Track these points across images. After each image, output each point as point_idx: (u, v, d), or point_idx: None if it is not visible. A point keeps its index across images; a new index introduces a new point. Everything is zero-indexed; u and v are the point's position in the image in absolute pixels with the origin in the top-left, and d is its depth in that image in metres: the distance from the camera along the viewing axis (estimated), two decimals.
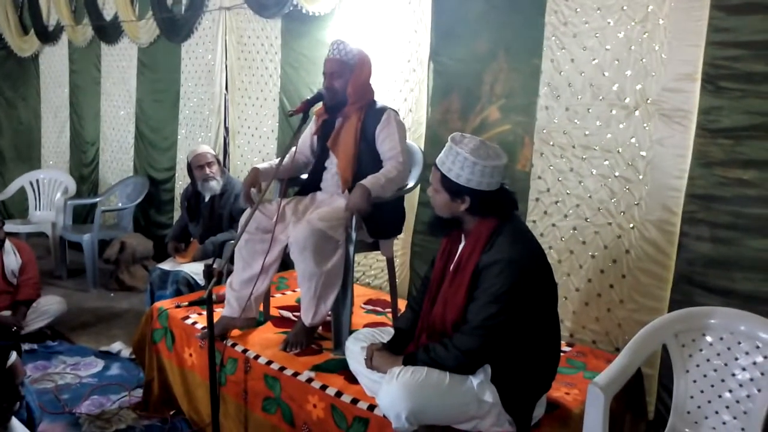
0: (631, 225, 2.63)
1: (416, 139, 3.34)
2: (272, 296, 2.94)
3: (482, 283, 1.77)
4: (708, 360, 1.94)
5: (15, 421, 1.76)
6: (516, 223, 1.87)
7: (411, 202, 3.41)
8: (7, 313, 3.54)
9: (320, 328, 2.54)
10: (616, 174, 2.67)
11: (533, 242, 1.89)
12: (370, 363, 1.98)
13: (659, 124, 2.52)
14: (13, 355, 1.67)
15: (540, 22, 2.85)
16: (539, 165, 2.90)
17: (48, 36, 5.98)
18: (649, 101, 2.55)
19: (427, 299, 1.97)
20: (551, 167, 2.86)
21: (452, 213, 1.89)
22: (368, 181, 2.36)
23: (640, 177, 2.59)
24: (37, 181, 5.72)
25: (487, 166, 1.78)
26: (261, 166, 2.68)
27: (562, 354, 2.43)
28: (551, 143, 2.86)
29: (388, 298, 2.94)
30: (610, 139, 2.68)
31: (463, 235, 1.92)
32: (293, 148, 2.68)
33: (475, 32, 3.14)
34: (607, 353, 2.58)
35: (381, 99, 2.68)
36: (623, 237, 2.66)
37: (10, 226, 4.45)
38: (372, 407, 1.96)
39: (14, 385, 1.66)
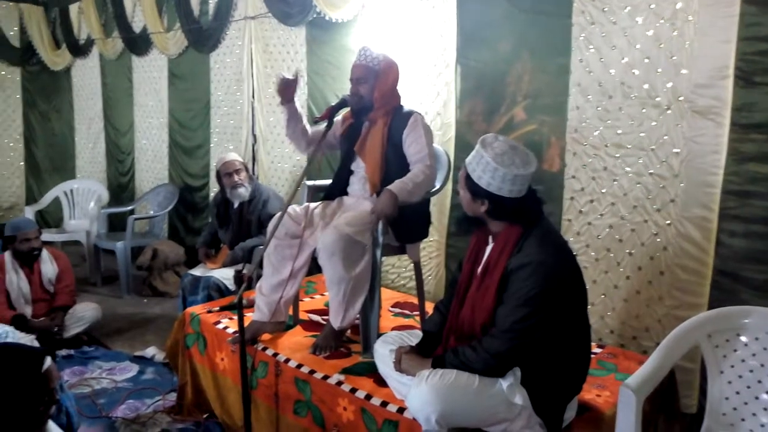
0: (668, 222, 2.61)
1: (445, 143, 3.35)
2: (301, 300, 2.97)
3: (511, 286, 1.76)
4: (743, 361, 1.91)
5: (52, 425, 1.81)
6: (545, 226, 1.86)
7: (444, 204, 3.43)
8: (44, 319, 3.64)
9: (349, 331, 2.55)
10: (651, 172, 2.65)
11: (562, 245, 1.87)
12: (398, 366, 1.99)
13: (692, 121, 2.50)
14: (48, 360, 1.71)
15: (566, 23, 2.85)
16: (572, 165, 2.90)
17: (79, 49, 6.14)
18: (680, 98, 2.53)
19: (455, 302, 1.97)
20: (584, 166, 2.86)
21: (474, 213, 1.89)
22: (395, 185, 2.37)
23: (675, 174, 2.57)
24: (72, 191, 5.87)
25: (508, 174, 1.76)
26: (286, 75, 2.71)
27: (592, 356, 2.41)
28: (584, 143, 2.85)
29: (415, 300, 2.95)
30: (643, 138, 2.66)
31: (490, 237, 1.91)
32: (317, 159, 2.69)
33: (500, 34, 3.15)
34: (639, 354, 2.56)
35: (408, 103, 2.69)
36: (660, 234, 2.64)
37: (46, 235, 4.56)
38: (401, 410, 1.97)
39: (49, 390, 1.70)
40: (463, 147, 3.30)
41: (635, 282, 2.74)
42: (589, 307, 2.78)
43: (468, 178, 1.85)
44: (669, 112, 2.57)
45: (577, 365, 1.87)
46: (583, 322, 1.88)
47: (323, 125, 2.63)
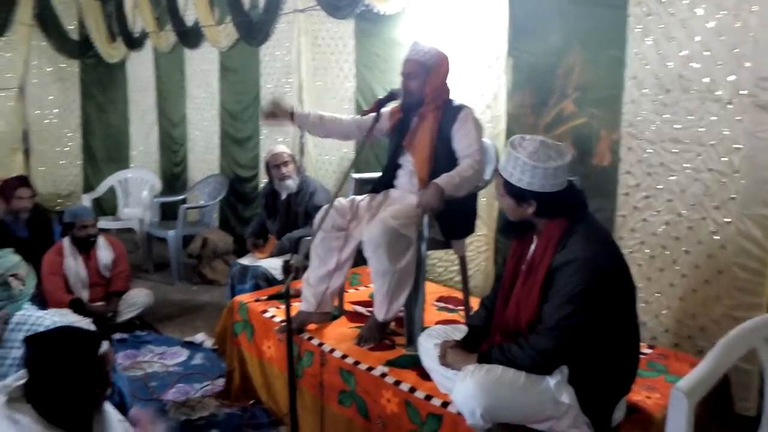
0: (727, 220, 2.53)
1: (495, 136, 3.32)
2: (346, 291, 3.00)
3: (556, 283, 1.74)
4: None
5: (108, 406, 1.88)
6: (590, 222, 1.83)
7: (493, 198, 3.38)
8: (101, 304, 3.79)
9: (393, 323, 2.57)
10: (710, 168, 2.57)
11: (608, 241, 1.84)
12: (443, 359, 1.99)
13: (755, 115, 2.41)
14: (105, 344, 1.77)
15: (622, 14, 2.77)
16: (627, 159, 2.84)
17: (134, 42, 6.31)
18: (743, 92, 2.43)
19: (500, 299, 1.96)
20: (640, 162, 2.79)
21: (521, 217, 1.87)
22: (442, 179, 2.37)
23: (736, 170, 2.49)
24: (126, 180, 6.07)
25: (548, 168, 1.74)
26: (299, 111, 2.78)
27: (642, 356, 2.36)
28: (639, 137, 2.79)
29: (460, 295, 2.93)
30: (702, 133, 2.58)
31: (534, 235, 1.89)
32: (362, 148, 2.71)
33: (551, 25, 3.09)
34: (691, 356, 2.49)
35: (456, 96, 2.67)
36: (719, 232, 2.57)
37: (101, 223, 4.73)
38: (446, 404, 1.97)
39: (105, 372, 1.77)
40: None
41: (692, 280, 2.67)
42: (643, 305, 2.76)
43: (507, 183, 1.83)
44: (730, 106, 2.48)
45: (626, 364, 1.83)
46: (632, 319, 1.84)
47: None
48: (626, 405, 1.90)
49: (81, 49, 6.70)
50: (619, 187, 2.87)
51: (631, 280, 1.85)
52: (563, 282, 1.72)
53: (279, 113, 2.72)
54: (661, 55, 2.67)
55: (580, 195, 1.84)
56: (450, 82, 2.63)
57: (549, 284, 1.77)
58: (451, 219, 2.51)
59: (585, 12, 2.94)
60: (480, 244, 3.49)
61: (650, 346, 2.53)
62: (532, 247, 1.89)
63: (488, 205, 3.40)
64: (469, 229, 2.70)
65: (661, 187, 2.74)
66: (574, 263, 1.71)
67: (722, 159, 2.53)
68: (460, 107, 2.55)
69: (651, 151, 2.75)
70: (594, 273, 1.70)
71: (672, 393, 1.68)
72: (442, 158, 2.52)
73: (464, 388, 1.75)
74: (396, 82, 2.65)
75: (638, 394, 2.03)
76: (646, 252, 2.80)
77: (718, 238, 2.57)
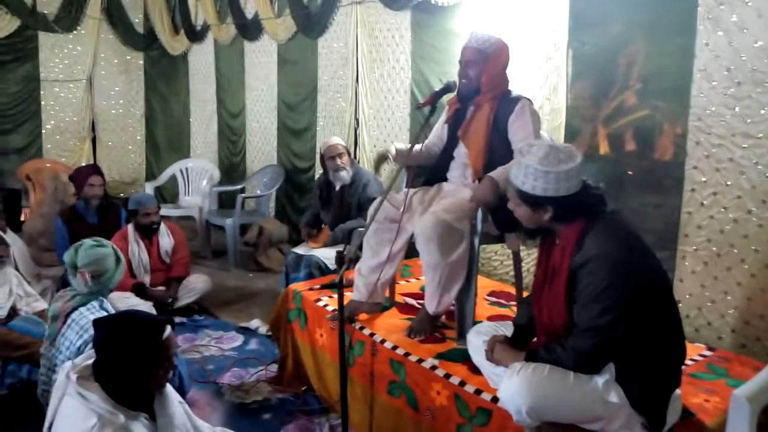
0: None
1: (555, 128, 3.27)
2: (397, 283, 3.02)
3: (578, 284, 1.73)
4: None
5: (169, 388, 1.96)
6: (609, 219, 1.79)
7: None
8: (161, 288, 3.93)
9: (444, 317, 2.57)
10: None
11: (628, 234, 1.78)
12: (490, 355, 1.98)
13: None
14: (168, 329, 1.84)
15: (691, 4, 2.69)
16: (695, 154, 2.75)
17: (196, 35, 6.50)
18: None
19: (534, 304, 1.95)
20: (708, 157, 2.71)
21: (538, 224, 1.85)
22: (497, 172, 2.34)
23: None
24: (187, 169, 6.26)
25: (561, 172, 1.73)
26: (399, 146, 2.75)
27: (702, 359, 2.29)
28: (708, 132, 2.70)
29: (512, 290, 2.91)
30: None
31: (557, 239, 1.87)
32: (421, 143, 2.71)
33: (613, 15, 3.02)
34: (755, 361, 2.38)
35: (515, 88, 2.63)
36: None
37: (163, 210, 4.89)
38: (496, 399, 1.96)
39: (168, 356, 1.84)
40: (572, 133, 3.21)
41: (761, 280, 2.58)
42: (709, 304, 2.71)
43: (520, 192, 1.81)
44: None
45: (671, 358, 1.78)
46: (670, 311, 1.78)
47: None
48: (682, 407, 1.85)
49: (146, 41, 6.95)
50: (686, 182, 2.79)
51: (661, 270, 1.80)
52: (585, 282, 1.71)
53: (396, 159, 2.72)
54: (734, 47, 2.57)
55: (596, 194, 1.81)
56: (509, 72, 2.59)
57: (573, 286, 1.75)
58: (505, 212, 2.47)
59: (650, 1, 2.85)
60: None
61: (710, 348, 2.45)
62: (553, 252, 1.87)
63: None
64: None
65: (730, 183, 2.65)
66: (591, 261, 1.69)
67: None
68: (518, 98, 2.51)
69: (720, 145, 2.66)
70: (613, 268, 1.67)
71: (732, 398, 1.63)
72: (498, 149, 2.48)
73: (511, 385, 1.75)
74: (452, 73, 2.64)
75: (696, 397, 1.97)
76: (713, 250, 2.72)
77: None
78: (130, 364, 1.72)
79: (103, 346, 1.75)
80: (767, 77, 2.48)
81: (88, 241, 2.46)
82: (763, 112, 2.51)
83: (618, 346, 1.70)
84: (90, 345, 2.20)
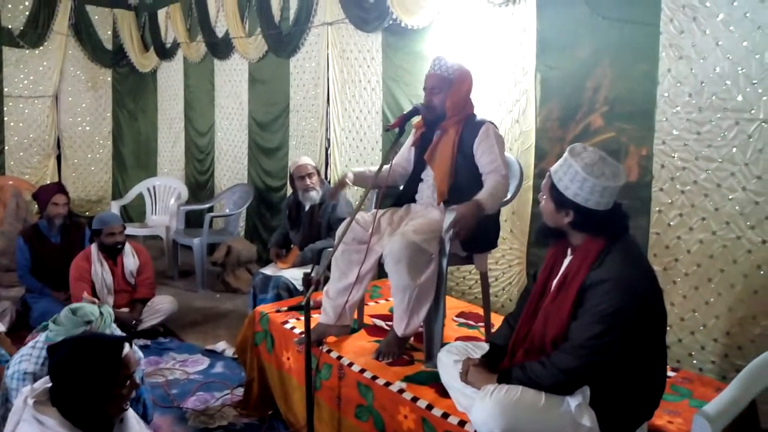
0: (763, 240, 2.50)
1: (524, 151, 3.32)
2: (366, 304, 3.00)
3: (588, 301, 1.71)
4: None
5: (131, 413, 1.91)
6: (628, 243, 1.78)
7: (524, 212, 3.40)
8: (125, 310, 3.84)
9: (412, 338, 2.55)
10: (744, 187, 2.54)
11: (645, 264, 1.80)
12: (464, 377, 1.97)
13: None
14: (126, 347, 1.81)
15: (653, 31, 2.77)
16: (661, 177, 2.82)
17: (166, 52, 6.46)
18: None
19: (526, 313, 1.93)
20: (673, 179, 2.77)
21: (556, 224, 1.84)
22: (483, 196, 2.34)
23: None
24: (154, 187, 6.17)
25: (597, 185, 1.71)
26: (357, 169, 2.76)
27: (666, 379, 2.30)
28: (672, 155, 2.77)
29: (481, 311, 2.91)
30: (735, 152, 2.55)
31: (569, 250, 1.87)
32: (388, 164, 2.72)
33: (580, 40, 3.09)
34: (716, 381, 2.43)
35: (484, 111, 2.67)
36: (753, 252, 2.54)
37: (129, 229, 4.82)
38: (463, 423, 1.95)
39: (129, 374, 1.80)
40: (542, 155, 3.27)
41: (727, 299, 2.64)
42: (678, 321, 2.75)
43: (553, 187, 1.80)
44: (765, 125, 2.45)
45: (651, 389, 1.79)
46: (660, 345, 1.80)
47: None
48: (647, 429, 1.86)
49: (114, 58, 6.87)
50: (653, 204, 2.85)
51: (663, 304, 1.81)
52: (596, 301, 1.69)
53: (355, 183, 2.75)
54: (694, 74, 2.66)
55: (622, 219, 1.80)
56: (473, 97, 2.63)
57: (581, 301, 1.73)
58: (473, 234, 2.48)
59: (615, 27, 2.93)
60: (511, 258, 3.48)
61: (674, 369, 2.48)
62: (566, 261, 1.86)
63: (520, 220, 3.39)
64: (492, 242, 2.68)
65: (694, 205, 2.71)
66: (608, 282, 1.68)
67: (757, 179, 2.49)
68: (482, 122, 2.54)
69: (684, 168, 2.72)
70: (627, 295, 1.66)
71: (695, 419, 1.64)
72: (463, 173, 2.51)
73: (483, 408, 1.73)
74: (422, 96, 2.66)
75: (660, 419, 1.99)
76: (681, 270, 2.78)
77: (754, 258, 2.53)
78: (89, 386, 1.68)
79: (61, 370, 1.71)
80: (726, 103, 2.56)
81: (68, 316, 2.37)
82: (724, 136, 2.58)
83: (604, 369, 1.70)
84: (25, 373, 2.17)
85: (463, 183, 2.46)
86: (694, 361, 2.74)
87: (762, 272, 2.51)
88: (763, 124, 2.45)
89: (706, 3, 2.60)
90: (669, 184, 2.79)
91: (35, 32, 6.29)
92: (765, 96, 2.44)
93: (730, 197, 2.59)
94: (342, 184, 2.72)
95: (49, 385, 1.75)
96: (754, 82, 2.47)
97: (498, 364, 1.96)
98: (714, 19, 2.57)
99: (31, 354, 2.29)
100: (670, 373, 2.39)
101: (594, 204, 1.73)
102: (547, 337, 1.80)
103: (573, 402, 1.71)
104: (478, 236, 2.53)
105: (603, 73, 3.01)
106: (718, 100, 2.59)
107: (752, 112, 2.49)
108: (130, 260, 3.94)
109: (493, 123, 2.57)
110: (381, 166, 2.63)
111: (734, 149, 2.55)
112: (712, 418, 1.63)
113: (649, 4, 2.77)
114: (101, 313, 2.38)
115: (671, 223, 2.80)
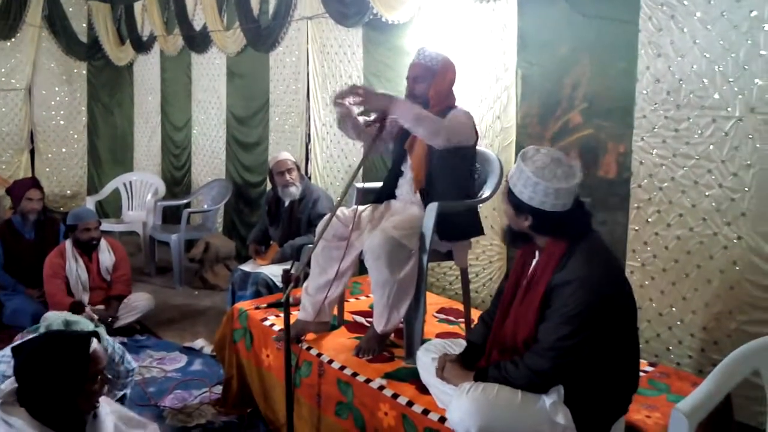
0: (738, 236, 2.53)
1: (506, 147, 3.33)
2: (346, 300, 2.98)
3: (554, 302, 1.72)
4: None
5: (105, 411, 1.87)
6: (592, 241, 1.79)
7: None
8: (100, 307, 3.78)
9: (392, 335, 2.55)
10: (720, 184, 2.57)
11: (610, 261, 1.80)
12: (441, 373, 1.97)
13: (765, 133, 2.41)
14: (94, 342, 1.78)
15: (632, 29, 2.79)
16: (639, 174, 2.85)
17: (142, 45, 6.35)
18: (754, 110, 2.44)
19: (499, 313, 1.94)
20: (651, 176, 2.80)
21: (518, 227, 1.85)
22: (405, 101, 2.40)
23: (746, 188, 2.49)
24: (130, 182, 6.08)
25: (549, 187, 1.71)
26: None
27: (643, 374, 2.33)
28: (650, 152, 2.79)
29: (461, 307, 2.91)
30: (712, 149, 2.59)
31: (537, 251, 1.87)
32: (371, 157, 2.69)
33: (560, 37, 3.11)
34: (693, 375, 2.47)
35: (467, 107, 2.65)
36: (730, 248, 2.57)
37: (105, 225, 4.73)
38: (443, 419, 1.95)
39: (99, 370, 1.77)
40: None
41: (704, 295, 2.68)
42: (657, 316, 2.78)
43: (510, 192, 1.81)
44: (741, 123, 2.48)
45: (624, 385, 1.81)
46: (632, 340, 1.81)
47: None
48: (625, 424, 1.87)
49: (89, 51, 6.73)
50: (632, 200, 2.88)
51: (632, 300, 1.82)
52: (561, 302, 1.70)
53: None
54: (672, 72, 2.68)
55: (583, 218, 1.80)
56: (456, 90, 2.61)
57: (547, 303, 1.74)
58: (450, 221, 2.46)
59: (594, 25, 2.95)
60: (492, 254, 3.50)
61: (651, 364, 2.50)
62: (534, 262, 1.87)
63: (501, 216, 3.39)
64: (469, 231, 2.63)
65: (672, 201, 2.74)
66: (572, 283, 1.69)
67: (733, 176, 2.53)
68: (456, 108, 2.53)
69: (662, 165, 2.75)
70: (592, 294, 1.67)
71: (672, 414, 1.66)
72: (438, 162, 2.47)
73: (459, 406, 1.73)
74: (403, 91, 2.64)
75: (638, 413, 2.00)
76: (659, 265, 2.81)
77: (730, 254, 2.57)
78: (57, 384, 1.65)
79: (27, 369, 1.68)
80: (704, 101, 2.59)
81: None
82: (700, 133, 2.61)
83: (575, 369, 1.70)
84: None
85: (439, 171, 2.45)
86: (672, 356, 2.78)
87: (738, 268, 2.54)
88: (739, 121, 2.49)
89: (683, 1, 2.62)
90: (647, 180, 2.82)
91: (6, 23, 6.14)
92: (741, 94, 2.47)
93: (707, 194, 2.62)
94: (347, 113, 2.62)
95: (16, 385, 1.71)
96: (731, 80, 2.50)
97: (475, 363, 1.96)
98: (692, 17, 2.60)
99: (12, 356, 2.24)
100: (647, 368, 2.42)
101: (550, 206, 1.73)
102: (518, 337, 1.81)
103: (548, 400, 1.72)
104: (453, 224, 2.49)
105: (582, 71, 3.03)
106: (695, 98, 2.62)
107: (728, 109, 2.52)
108: (106, 256, 3.87)
109: (467, 112, 2.53)
110: (362, 162, 2.61)
111: (711, 146, 2.58)
112: (689, 414, 1.65)
113: (628, 1, 2.79)
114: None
115: (649, 220, 2.83)
